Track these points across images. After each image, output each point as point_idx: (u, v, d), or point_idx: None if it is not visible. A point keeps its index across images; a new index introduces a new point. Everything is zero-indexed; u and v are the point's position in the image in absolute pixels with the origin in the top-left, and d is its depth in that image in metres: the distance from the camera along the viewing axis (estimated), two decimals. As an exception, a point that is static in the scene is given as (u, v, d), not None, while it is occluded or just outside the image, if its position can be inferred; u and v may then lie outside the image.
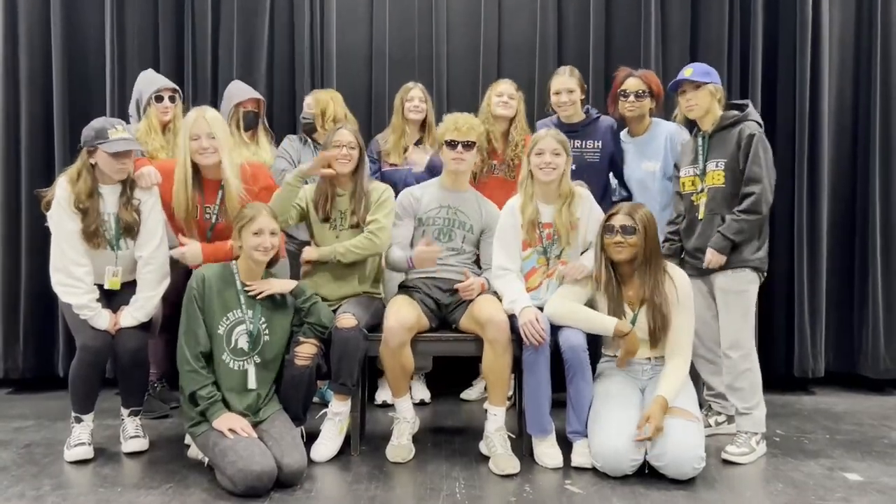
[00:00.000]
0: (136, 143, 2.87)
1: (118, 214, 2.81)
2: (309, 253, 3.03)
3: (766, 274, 2.97)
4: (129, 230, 2.83)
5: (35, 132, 4.04)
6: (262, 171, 3.14)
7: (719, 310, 2.96)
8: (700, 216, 2.98)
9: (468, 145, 3.01)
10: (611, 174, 3.53)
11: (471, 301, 2.92)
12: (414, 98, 3.68)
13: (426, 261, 2.94)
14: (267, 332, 2.73)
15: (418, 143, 3.72)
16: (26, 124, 4.02)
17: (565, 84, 3.44)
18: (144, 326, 2.88)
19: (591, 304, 2.88)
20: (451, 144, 3.00)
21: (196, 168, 2.95)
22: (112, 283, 2.86)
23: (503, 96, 3.52)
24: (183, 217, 2.95)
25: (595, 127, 3.47)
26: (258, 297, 2.72)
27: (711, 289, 3.01)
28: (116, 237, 2.83)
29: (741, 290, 2.90)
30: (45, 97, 4.05)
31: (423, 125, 3.73)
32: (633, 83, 3.36)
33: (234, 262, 2.76)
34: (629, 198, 3.44)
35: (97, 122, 2.79)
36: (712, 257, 2.89)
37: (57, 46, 4.00)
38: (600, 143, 3.44)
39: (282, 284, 2.76)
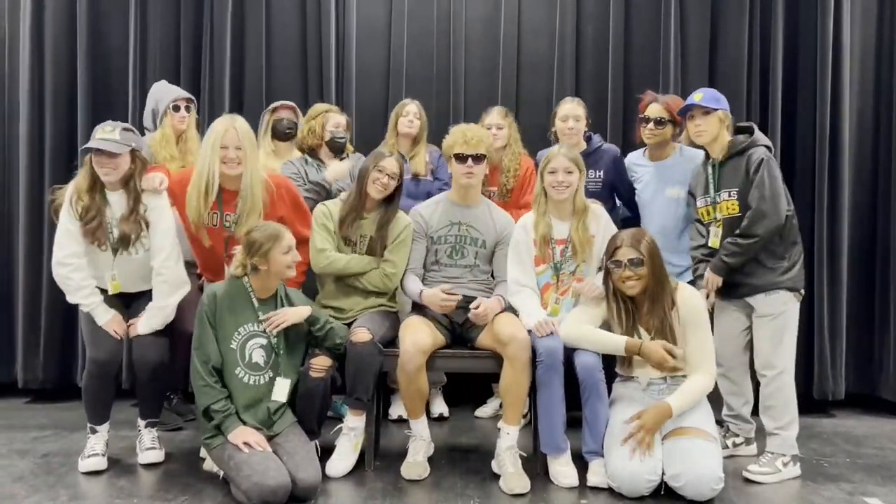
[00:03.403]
0: (112, 145, 2.75)
1: (120, 219, 2.82)
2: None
3: (803, 292, 2.94)
4: (125, 241, 2.83)
5: (59, 148, 4.10)
6: (287, 187, 3.08)
7: (754, 330, 2.95)
8: (715, 246, 2.95)
9: (478, 158, 2.99)
10: (615, 195, 3.53)
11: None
12: (409, 113, 3.65)
13: (434, 304, 2.93)
14: (282, 346, 2.74)
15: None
16: (50, 140, 4.09)
17: (574, 111, 3.43)
18: (164, 338, 2.90)
19: (606, 325, 2.86)
20: (461, 158, 2.98)
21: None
22: (113, 286, 2.89)
23: (492, 129, 3.48)
24: (194, 221, 2.91)
25: (597, 156, 3.45)
26: (276, 330, 2.71)
27: (741, 310, 2.99)
28: (118, 241, 2.85)
29: (776, 312, 2.87)
30: (69, 112, 4.11)
31: (415, 141, 3.69)
32: (654, 109, 3.32)
33: (245, 278, 2.75)
34: (632, 219, 3.44)
35: (97, 126, 2.84)
36: (709, 277, 2.90)
37: (81, 62, 4.08)
38: (601, 173, 3.43)
39: (296, 313, 2.75)
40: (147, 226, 2.85)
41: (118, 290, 2.90)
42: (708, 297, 2.94)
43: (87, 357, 2.83)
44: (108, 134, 2.77)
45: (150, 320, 2.86)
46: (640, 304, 2.77)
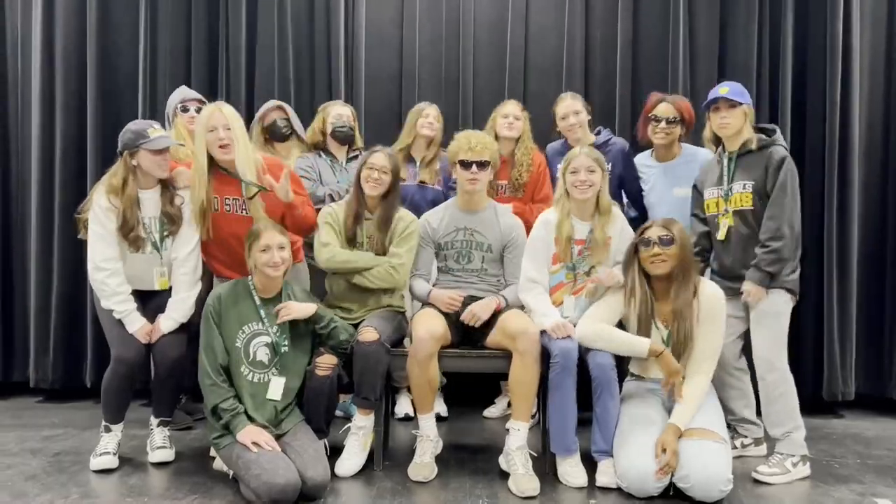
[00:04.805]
0: (173, 140, 2.98)
1: (163, 210, 2.87)
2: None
3: (798, 297, 2.94)
4: (174, 222, 2.88)
5: (69, 150, 4.13)
6: (278, 167, 3.04)
7: (753, 332, 2.93)
8: (722, 237, 2.96)
9: (482, 164, 2.99)
10: (622, 193, 3.54)
11: (495, 317, 2.92)
12: (429, 115, 3.66)
13: (441, 303, 2.97)
14: (286, 344, 2.76)
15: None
16: (60, 142, 4.12)
17: (571, 107, 3.47)
18: (183, 333, 2.93)
19: (621, 323, 2.86)
20: (466, 164, 2.99)
21: (214, 163, 2.94)
22: (162, 283, 2.93)
23: (508, 117, 3.52)
24: (196, 211, 2.91)
25: (606, 149, 3.46)
26: (278, 322, 2.75)
27: (738, 311, 2.98)
28: (160, 238, 2.89)
29: (777, 311, 2.87)
30: (79, 116, 4.14)
31: (430, 145, 3.69)
32: (664, 109, 3.34)
33: (249, 277, 2.81)
34: (638, 217, 3.44)
35: (134, 125, 2.87)
36: (753, 290, 2.84)
37: (91, 65, 4.10)
38: (610, 165, 3.41)
39: (301, 309, 2.77)
40: (181, 214, 2.91)
41: (167, 285, 2.94)
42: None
43: (114, 356, 2.83)
44: (159, 132, 2.84)
45: (172, 313, 2.89)
46: (662, 295, 2.77)
